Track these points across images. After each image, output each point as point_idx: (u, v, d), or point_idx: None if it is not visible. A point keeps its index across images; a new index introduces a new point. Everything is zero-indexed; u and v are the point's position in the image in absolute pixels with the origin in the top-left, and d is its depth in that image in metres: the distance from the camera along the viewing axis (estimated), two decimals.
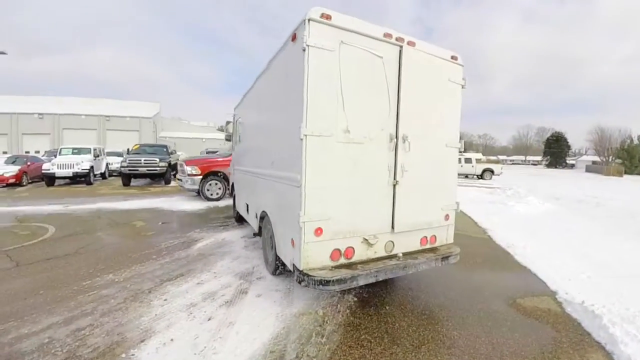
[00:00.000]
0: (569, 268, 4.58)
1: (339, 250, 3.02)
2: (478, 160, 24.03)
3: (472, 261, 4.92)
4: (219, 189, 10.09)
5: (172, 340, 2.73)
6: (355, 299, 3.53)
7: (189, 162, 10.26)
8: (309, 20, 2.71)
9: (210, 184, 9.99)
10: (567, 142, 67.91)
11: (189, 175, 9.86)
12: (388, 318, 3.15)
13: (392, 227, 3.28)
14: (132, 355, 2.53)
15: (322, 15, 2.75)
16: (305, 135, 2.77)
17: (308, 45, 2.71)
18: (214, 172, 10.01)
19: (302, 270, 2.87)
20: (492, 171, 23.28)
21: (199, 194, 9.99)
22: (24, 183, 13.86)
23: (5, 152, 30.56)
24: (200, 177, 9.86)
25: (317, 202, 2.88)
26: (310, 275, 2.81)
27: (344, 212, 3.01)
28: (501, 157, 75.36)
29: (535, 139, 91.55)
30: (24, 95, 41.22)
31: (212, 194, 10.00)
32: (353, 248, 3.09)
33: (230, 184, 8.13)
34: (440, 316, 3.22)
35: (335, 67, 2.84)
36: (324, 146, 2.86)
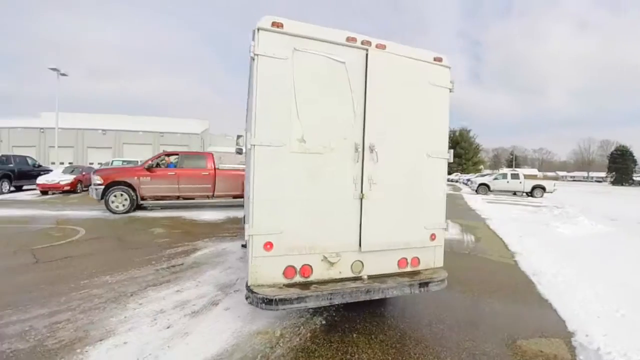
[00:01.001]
0: (602, 303, 3.63)
1: (293, 267, 2.72)
2: (528, 176, 21.45)
3: (482, 290, 4.18)
4: (125, 199, 9.21)
5: (125, 343, 2.71)
6: (324, 322, 3.15)
7: (97, 171, 9.97)
8: (258, 29, 2.57)
9: (115, 195, 9.15)
10: (634, 157, 59.27)
11: (94, 185, 9.18)
12: (350, 347, 2.72)
13: (360, 246, 2.88)
14: (86, 352, 2.59)
15: (273, 24, 2.59)
16: (253, 145, 2.59)
17: (257, 55, 2.56)
18: (118, 182, 9.20)
19: (249, 286, 2.63)
20: (543, 188, 20.57)
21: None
22: (78, 190, 15.20)
23: (70, 163, 33.25)
24: (103, 187, 9.04)
25: (266, 215, 2.64)
26: (254, 292, 2.55)
27: (300, 226, 2.72)
28: (561, 174, 66.90)
29: (598, 153, 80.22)
30: (90, 112, 46.06)
31: (117, 206, 9.12)
32: (310, 266, 2.77)
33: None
34: (411, 352, 2.69)
35: (289, 75, 2.64)
36: (275, 156, 2.64)
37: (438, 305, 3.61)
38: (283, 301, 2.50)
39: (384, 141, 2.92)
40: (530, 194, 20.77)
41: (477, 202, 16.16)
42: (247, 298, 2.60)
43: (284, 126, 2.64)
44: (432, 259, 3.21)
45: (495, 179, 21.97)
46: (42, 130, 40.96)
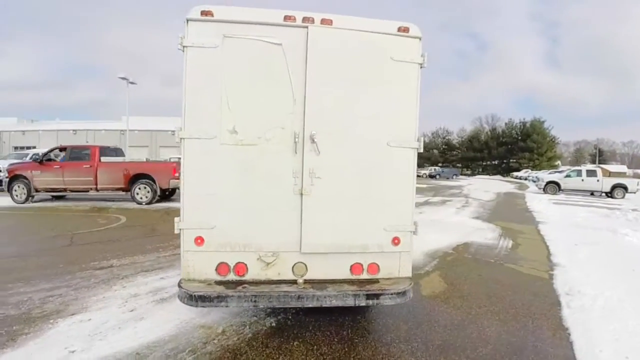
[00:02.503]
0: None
1: (227, 264, 2.48)
2: (614, 174, 17.35)
3: (484, 308, 3.35)
4: (23, 191, 9.85)
5: (89, 320, 2.87)
6: (274, 324, 2.84)
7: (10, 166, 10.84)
8: (187, 20, 2.38)
9: (18, 187, 9.87)
10: None
11: (4, 177, 10.31)
12: (283, 355, 2.37)
13: (300, 247, 2.50)
14: (56, 322, 2.79)
15: (203, 13, 2.37)
16: (182, 139, 2.41)
17: (185, 46, 2.38)
18: (17, 175, 9.94)
19: (180, 280, 2.48)
20: (624, 188, 16.38)
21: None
22: None
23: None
24: (8, 179, 10.05)
25: (196, 209, 2.44)
26: (180, 286, 2.39)
27: (233, 223, 2.46)
28: None
29: None
30: (163, 116, 48.60)
31: (17, 195, 9.85)
32: (245, 265, 2.49)
33: None
34: None
35: (219, 63, 2.38)
36: (206, 149, 2.42)
37: (416, 321, 3.00)
38: (203, 298, 2.29)
39: (330, 130, 2.47)
40: (610, 194, 16.79)
41: (540, 203, 13.71)
42: (178, 294, 2.46)
43: (214, 118, 2.40)
44: (396, 267, 2.64)
45: (567, 176, 18.27)
46: (122, 132, 47.45)
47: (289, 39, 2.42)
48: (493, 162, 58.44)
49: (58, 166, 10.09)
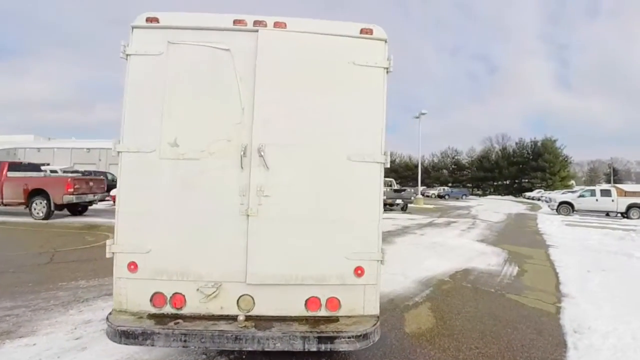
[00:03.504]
0: None
1: (163, 295, 2.13)
2: (629, 193, 16.22)
3: (474, 352, 2.83)
4: None
5: (34, 344, 2.66)
6: None
7: None
8: (132, 28, 2.20)
9: None
10: None
11: None
12: None
13: (246, 277, 2.13)
14: (3, 344, 2.64)
15: (148, 20, 2.19)
16: (119, 152, 2.16)
17: (128, 55, 2.18)
18: None
19: (110, 312, 2.14)
20: None
21: None
22: None
23: None
24: None
25: (130, 231, 2.14)
26: (107, 319, 2.04)
27: (170, 247, 2.13)
28: None
29: None
30: None
31: None
32: (183, 296, 2.13)
33: None
34: None
35: (162, 71, 2.16)
36: (144, 164, 2.15)
37: None
38: (126, 334, 1.94)
39: (281, 142, 2.16)
40: (626, 214, 15.61)
41: (551, 225, 12.82)
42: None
43: (154, 130, 2.15)
44: (360, 302, 2.21)
45: (581, 196, 17.19)
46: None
47: (239, 44, 2.18)
48: (504, 182, 56.58)
49: None
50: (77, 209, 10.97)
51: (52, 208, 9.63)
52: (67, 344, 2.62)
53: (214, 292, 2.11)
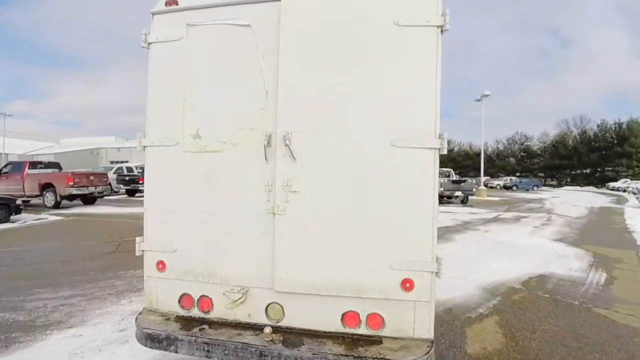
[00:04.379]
0: None
1: (190, 296, 1.98)
2: None
3: None
4: None
5: (80, 335, 2.76)
6: None
7: None
8: (152, 15, 2.05)
9: None
10: None
11: None
12: None
13: (274, 283, 1.85)
14: (51, 335, 2.74)
15: (167, 3, 2.00)
16: (145, 147, 2.04)
17: (149, 43, 2.03)
18: None
19: (142, 310, 2.06)
20: None
21: None
22: None
23: None
24: None
25: (158, 228, 2.03)
26: (137, 319, 1.96)
27: (195, 246, 1.96)
28: None
29: None
30: None
31: None
32: (210, 299, 1.95)
33: None
34: None
35: (183, 57, 1.96)
36: (166, 158, 2.00)
37: None
38: (151, 338, 1.83)
39: (311, 128, 1.80)
40: None
41: None
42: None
43: (178, 121, 1.98)
44: (410, 322, 1.77)
45: None
46: None
47: (259, 17, 1.87)
48: (584, 171, 48.13)
49: (5, 178, 12.33)
50: (87, 199, 12.97)
51: (59, 199, 11.54)
52: (112, 336, 2.69)
53: (241, 298, 1.88)
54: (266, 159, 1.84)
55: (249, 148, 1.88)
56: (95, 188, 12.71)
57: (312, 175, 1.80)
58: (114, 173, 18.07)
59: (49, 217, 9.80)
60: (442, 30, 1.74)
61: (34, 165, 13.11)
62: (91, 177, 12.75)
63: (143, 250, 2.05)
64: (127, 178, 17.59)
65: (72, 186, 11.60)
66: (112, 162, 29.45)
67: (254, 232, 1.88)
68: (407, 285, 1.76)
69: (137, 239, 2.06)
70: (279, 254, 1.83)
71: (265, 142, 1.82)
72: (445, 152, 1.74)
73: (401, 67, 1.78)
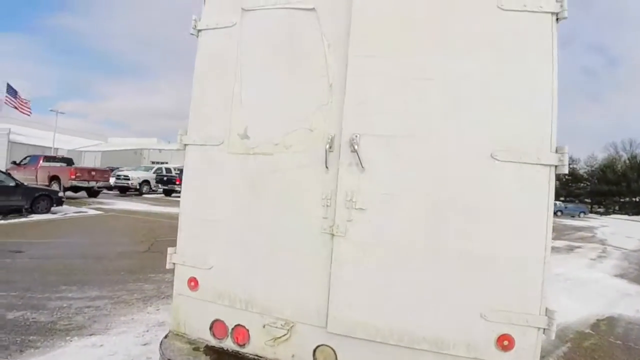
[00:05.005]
0: None
1: (224, 324, 1.66)
2: None
3: None
4: None
5: (101, 345, 2.55)
6: None
7: None
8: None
9: None
10: None
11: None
12: None
13: (327, 321, 1.48)
14: (70, 341, 2.54)
15: None
16: (186, 145, 1.79)
17: (199, 30, 1.81)
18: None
19: (168, 333, 1.77)
20: None
21: None
22: None
23: None
24: None
25: (193, 239, 1.74)
26: (162, 343, 1.67)
27: (234, 265, 1.65)
28: None
29: None
30: None
31: None
32: (248, 331, 1.61)
33: None
34: None
35: (235, 45, 1.71)
36: (208, 159, 1.73)
37: None
38: None
39: (384, 131, 1.44)
40: None
41: None
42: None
43: (224, 118, 1.71)
44: None
45: None
46: None
47: (326, 0, 1.57)
48: (633, 199, 43.44)
49: (23, 168, 13.85)
50: (91, 192, 14.05)
51: (63, 190, 12.37)
52: (133, 350, 2.45)
53: (285, 334, 1.52)
54: (326, 166, 1.50)
55: (305, 152, 1.56)
56: (97, 183, 13.84)
57: (384, 190, 1.43)
58: (153, 173, 18.99)
59: (89, 211, 10.18)
60: (557, 19, 1.34)
61: (47, 159, 14.80)
62: (93, 173, 13.98)
63: (174, 263, 1.77)
64: (165, 178, 18.66)
65: (73, 179, 12.78)
66: (152, 163, 31.02)
67: (305, 255, 1.53)
68: (504, 343, 1.31)
69: (169, 250, 1.79)
70: (335, 287, 1.46)
71: (327, 146, 1.48)
72: (565, 170, 1.31)
73: (504, 59, 1.38)
